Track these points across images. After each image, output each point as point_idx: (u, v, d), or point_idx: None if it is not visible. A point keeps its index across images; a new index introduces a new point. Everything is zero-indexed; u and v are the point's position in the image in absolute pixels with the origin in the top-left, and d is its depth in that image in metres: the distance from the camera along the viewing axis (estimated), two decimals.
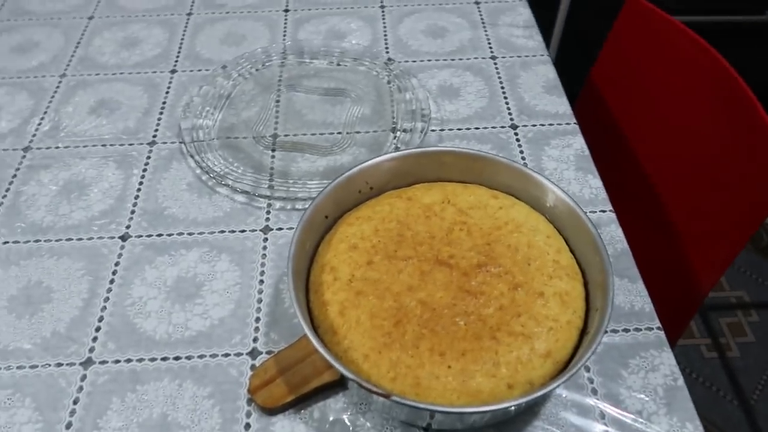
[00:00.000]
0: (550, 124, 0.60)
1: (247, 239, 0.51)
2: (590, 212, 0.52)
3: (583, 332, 0.39)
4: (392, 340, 0.38)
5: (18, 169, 0.56)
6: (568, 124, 0.60)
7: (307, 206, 0.51)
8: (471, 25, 0.72)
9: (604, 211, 0.53)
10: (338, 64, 0.66)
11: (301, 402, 0.41)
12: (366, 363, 0.38)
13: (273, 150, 0.57)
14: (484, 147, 0.58)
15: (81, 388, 0.42)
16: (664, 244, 0.67)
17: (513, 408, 0.38)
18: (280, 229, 0.51)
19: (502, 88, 0.64)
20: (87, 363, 0.43)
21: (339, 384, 0.41)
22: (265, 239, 0.51)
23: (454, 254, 0.42)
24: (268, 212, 0.53)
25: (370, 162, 0.46)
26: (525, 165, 0.56)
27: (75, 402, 0.41)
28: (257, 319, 0.46)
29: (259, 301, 0.47)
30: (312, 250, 0.44)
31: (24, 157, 0.57)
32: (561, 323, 0.39)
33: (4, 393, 0.42)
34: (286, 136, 0.59)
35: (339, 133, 0.59)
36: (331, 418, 0.41)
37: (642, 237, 0.56)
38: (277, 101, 0.62)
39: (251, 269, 0.49)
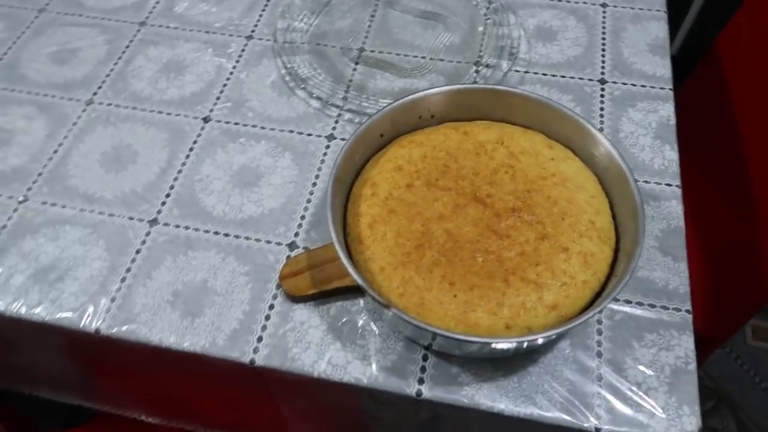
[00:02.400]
0: (642, 86, 0.57)
1: (311, 143, 0.54)
2: (655, 183, 0.50)
3: (599, 295, 0.39)
4: (410, 260, 0.40)
5: (131, 41, 0.62)
6: (662, 88, 0.56)
7: None
8: None
9: (669, 185, 0.50)
10: None
11: (322, 297, 0.45)
12: (380, 275, 0.40)
13: (356, 63, 0.59)
14: (564, 97, 0.56)
15: (144, 242, 0.48)
16: (740, 237, 0.63)
17: (506, 347, 0.40)
18: (344, 139, 0.54)
19: (603, 39, 0.61)
20: (153, 222, 0.49)
21: (358, 290, 0.45)
22: (327, 146, 0.54)
23: (492, 194, 0.43)
24: (337, 122, 0.55)
25: (435, 90, 0.47)
26: (601, 123, 0.54)
27: (137, 252, 0.48)
28: (302, 217, 0.49)
29: (308, 200, 0.50)
30: (361, 163, 0.47)
31: (138, 31, 0.63)
32: (577, 281, 0.39)
33: (85, 230, 0.49)
34: (372, 51, 0.60)
35: (423, 57, 0.60)
36: (344, 318, 0.44)
37: (717, 224, 0.53)
38: (372, 16, 0.63)
39: (308, 170, 0.52)
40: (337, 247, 0.39)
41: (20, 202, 0.51)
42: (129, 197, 0.51)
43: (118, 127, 0.55)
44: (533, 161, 0.45)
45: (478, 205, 0.43)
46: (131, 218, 0.50)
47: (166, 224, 0.49)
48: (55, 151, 0.54)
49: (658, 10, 0.63)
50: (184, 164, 0.53)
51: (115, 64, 0.60)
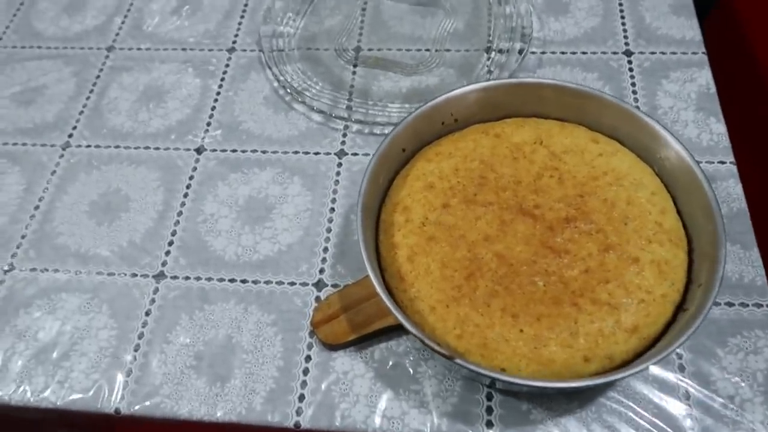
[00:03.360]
0: (673, 53, 0.52)
1: (321, 162, 0.48)
2: (706, 162, 0.46)
3: (680, 307, 0.35)
4: (462, 294, 0.36)
5: (101, 70, 0.56)
6: (694, 53, 0.51)
7: (386, 132, 0.48)
8: None
9: (723, 163, 0.46)
10: None
11: (363, 341, 0.40)
12: (432, 315, 0.35)
13: (354, 66, 0.53)
14: (589, 75, 0.51)
15: (153, 301, 0.43)
16: None
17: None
18: (356, 154, 0.49)
19: (621, 5, 0.55)
20: (159, 276, 0.44)
21: (402, 327, 0.40)
22: (339, 164, 0.48)
23: (540, 204, 0.38)
24: (345, 134, 0.50)
25: (457, 91, 0.42)
26: (635, 101, 0.49)
27: (147, 314, 0.42)
28: (325, 249, 0.44)
29: (328, 230, 0.45)
30: (386, 184, 0.41)
31: (107, 57, 0.56)
32: (655, 296, 0.35)
33: (84, 296, 0.44)
34: (369, 50, 0.54)
35: (427, 50, 0.54)
36: (391, 362, 0.39)
37: None
38: (363, 9, 0.57)
39: (323, 195, 0.47)
40: (378, 288, 0.34)
41: (6, 272, 0.45)
42: (128, 251, 0.45)
43: (102, 171, 0.49)
44: (579, 160, 0.40)
45: (527, 218, 0.38)
46: (134, 275, 0.44)
47: (174, 277, 0.44)
48: (37, 207, 0.48)
49: None
50: (183, 204, 0.47)
51: (87, 98, 0.54)
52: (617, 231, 0.37)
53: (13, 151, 0.51)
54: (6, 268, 0.45)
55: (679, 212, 0.38)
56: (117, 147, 0.51)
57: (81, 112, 0.53)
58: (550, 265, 0.36)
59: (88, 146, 0.51)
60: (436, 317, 0.35)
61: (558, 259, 0.36)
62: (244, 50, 0.56)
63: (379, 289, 0.34)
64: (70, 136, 0.51)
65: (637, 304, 0.34)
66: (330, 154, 0.49)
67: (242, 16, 0.58)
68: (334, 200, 0.46)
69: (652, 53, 0.52)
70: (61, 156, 0.50)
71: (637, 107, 0.49)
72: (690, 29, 0.53)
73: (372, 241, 0.39)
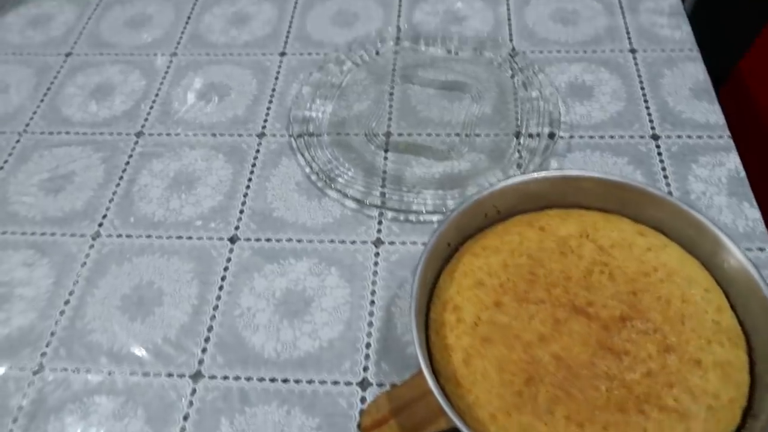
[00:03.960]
0: (699, 137, 0.53)
1: (358, 252, 0.48)
2: (746, 249, 0.46)
3: (747, 412, 0.34)
4: (523, 401, 0.35)
5: (131, 156, 0.55)
6: (720, 137, 0.52)
7: (422, 219, 0.48)
8: (607, 10, 0.64)
9: (762, 249, 0.46)
10: (456, 53, 0.61)
11: None
12: (493, 425, 0.34)
13: (386, 151, 0.54)
14: (619, 160, 0.52)
15: (191, 403, 0.41)
16: None
17: None
18: (393, 243, 0.48)
19: (642, 88, 0.57)
20: (197, 376, 0.42)
21: (457, 429, 0.39)
22: (377, 254, 0.48)
23: (593, 302, 0.38)
24: (380, 222, 0.50)
25: (501, 185, 0.42)
26: (668, 186, 0.50)
27: (185, 418, 0.41)
28: (368, 345, 0.43)
29: (370, 324, 0.44)
30: (432, 280, 0.41)
31: (137, 143, 0.56)
32: (722, 401, 0.34)
33: (118, 400, 0.42)
34: (399, 135, 0.55)
35: (457, 134, 0.54)
36: None
37: None
38: (391, 94, 0.58)
39: (361, 287, 0.46)
40: (440, 399, 0.33)
41: (35, 373, 0.43)
42: (163, 349, 0.44)
43: (134, 263, 0.49)
44: (628, 254, 0.40)
45: (581, 317, 0.37)
46: (170, 375, 0.43)
47: (212, 377, 0.42)
48: (67, 302, 0.47)
49: (690, 50, 0.59)
50: (219, 297, 0.46)
51: (117, 185, 0.53)
52: (675, 331, 0.36)
53: (41, 241, 0.50)
54: (35, 368, 0.44)
55: (732, 307, 0.38)
56: (149, 236, 0.50)
57: (111, 200, 0.52)
58: (611, 368, 0.35)
59: (119, 236, 0.50)
60: (497, 427, 0.34)
61: (618, 361, 0.35)
62: (274, 135, 0.56)
63: (439, 398, 0.33)
64: (100, 225, 0.51)
65: (706, 410, 0.33)
66: (366, 242, 0.48)
67: (270, 101, 0.59)
68: (373, 292, 0.46)
69: (679, 137, 0.53)
70: (91, 246, 0.50)
71: (668, 185, 0.49)
72: (713, 113, 0.54)
73: (424, 344, 0.38)
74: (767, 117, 0.69)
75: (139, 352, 0.44)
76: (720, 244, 0.38)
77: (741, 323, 0.37)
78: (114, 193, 0.53)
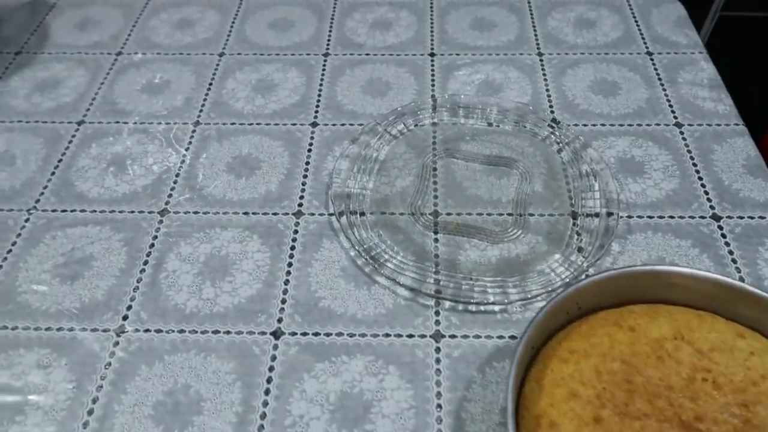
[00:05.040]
0: (761, 217, 0.51)
1: (417, 347, 0.44)
2: None
3: None
4: None
5: (156, 237, 0.51)
6: None
7: (481, 309, 0.45)
8: (646, 81, 0.63)
9: None
10: (498, 125, 0.59)
11: None
12: None
13: (435, 232, 0.50)
14: (683, 243, 0.49)
15: None
16: None
17: None
18: (454, 336, 0.44)
19: (695, 165, 0.55)
20: None
21: None
22: (437, 349, 0.44)
23: (701, 416, 0.34)
24: (437, 312, 0.46)
25: (585, 282, 0.39)
26: (738, 271, 0.47)
27: None
28: None
29: None
30: (518, 388, 0.37)
31: (161, 222, 0.52)
32: None
33: None
34: (448, 215, 0.51)
35: (510, 214, 0.51)
36: None
37: None
38: (434, 169, 0.55)
39: (425, 389, 0.42)
40: None
41: None
42: None
43: (166, 362, 0.43)
44: (730, 359, 0.36)
45: None
46: None
47: None
48: (90, 412, 0.41)
49: (737, 124, 0.58)
50: (266, 404, 0.41)
51: (142, 271, 0.48)
52: None
53: (58, 338, 0.45)
54: None
55: None
56: (181, 331, 0.45)
57: (136, 289, 0.47)
58: None
59: (147, 330, 0.45)
60: None
61: None
62: (312, 214, 0.52)
63: None
64: (125, 318, 0.46)
65: None
66: (425, 336, 0.44)
67: (305, 176, 0.55)
68: (438, 394, 0.41)
69: (740, 218, 0.51)
70: (116, 344, 0.44)
71: (738, 270, 0.47)
72: None
73: None
74: None
75: None
76: None
77: None
78: (139, 280, 0.48)
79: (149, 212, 0.52)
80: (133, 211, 0.52)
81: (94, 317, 0.46)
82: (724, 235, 0.50)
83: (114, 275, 0.48)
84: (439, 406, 0.41)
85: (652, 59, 0.65)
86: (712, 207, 0.52)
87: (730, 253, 0.48)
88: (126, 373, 0.43)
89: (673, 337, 0.38)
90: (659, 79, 0.63)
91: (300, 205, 0.53)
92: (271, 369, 0.43)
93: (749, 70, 0.94)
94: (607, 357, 0.37)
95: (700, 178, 0.54)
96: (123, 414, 0.41)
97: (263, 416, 0.41)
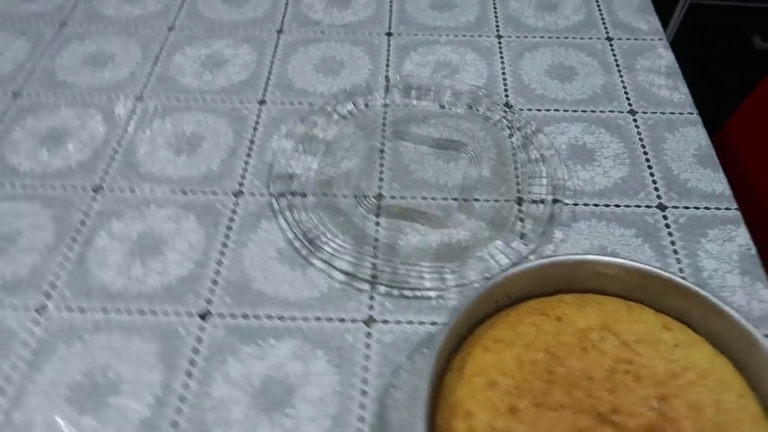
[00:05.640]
0: (706, 208, 0.50)
1: (348, 332, 0.43)
2: (764, 335, 0.43)
3: None
4: None
5: (87, 214, 0.49)
6: (728, 209, 0.50)
7: (417, 295, 0.44)
8: (603, 67, 0.62)
9: None
10: (450, 108, 0.57)
11: None
12: None
13: (377, 215, 0.49)
14: (627, 232, 0.48)
15: None
16: None
17: None
18: (386, 321, 0.43)
19: (645, 153, 0.54)
20: None
21: None
22: (368, 334, 0.43)
23: (618, 408, 0.34)
24: (372, 297, 0.45)
25: (517, 270, 0.38)
26: (678, 262, 0.47)
27: None
28: None
29: (361, 419, 0.39)
30: (438, 376, 0.36)
31: (94, 199, 0.50)
32: None
33: None
34: (392, 198, 0.50)
35: (455, 199, 0.50)
36: None
37: None
38: (381, 151, 0.54)
39: (351, 374, 0.41)
40: None
41: None
42: None
43: (87, 342, 0.42)
44: (654, 352, 0.36)
45: (606, 427, 0.33)
46: None
47: None
48: (2, 391, 0.40)
49: (690, 113, 0.57)
50: (186, 386, 0.40)
51: (70, 249, 0.47)
52: None
53: None
54: None
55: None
56: (105, 311, 0.43)
57: (62, 266, 0.46)
58: None
59: (70, 310, 0.44)
60: None
61: None
62: (253, 194, 0.51)
63: None
64: (48, 296, 0.44)
65: None
66: (357, 321, 0.43)
67: (248, 155, 0.53)
68: (365, 380, 0.41)
69: (686, 208, 0.50)
70: (36, 322, 0.43)
71: (678, 262, 0.46)
72: (719, 182, 0.52)
73: None
74: (755, 182, 0.68)
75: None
76: (753, 342, 0.35)
77: None
78: (65, 258, 0.46)
79: (82, 188, 0.51)
80: (65, 187, 0.51)
81: (15, 294, 0.44)
82: (668, 225, 0.49)
83: (40, 252, 0.47)
84: (364, 392, 0.40)
85: (611, 45, 0.64)
86: (659, 196, 0.51)
87: (672, 243, 0.48)
88: (43, 353, 0.41)
89: (600, 327, 0.37)
90: (617, 65, 0.62)
91: (241, 184, 0.51)
92: (195, 351, 0.42)
93: (717, 59, 0.93)
94: (531, 347, 0.36)
95: (650, 167, 0.53)
96: (36, 395, 0.39)
97: (183, 399, 0.40)
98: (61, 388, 0.40)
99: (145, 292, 0.45)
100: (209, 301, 0.44)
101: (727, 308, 0.36)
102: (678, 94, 0.59)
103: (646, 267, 0.38)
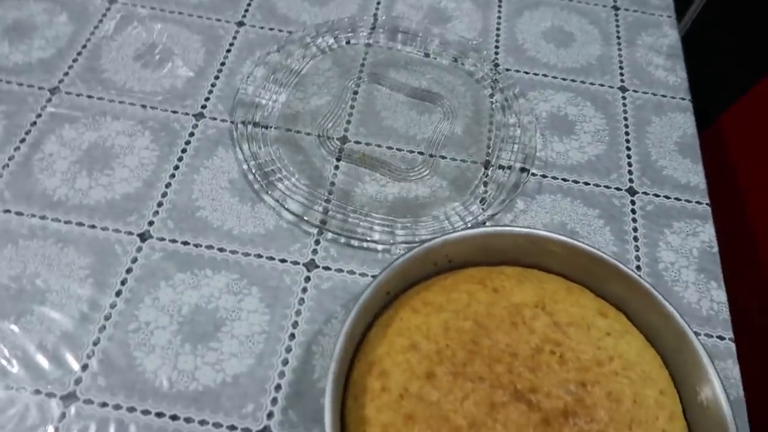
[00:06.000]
0: (677, 199, 0.49)
1: (287, 273, 0.42)
2: (705, 335, 0.42)
3: None
4: None
5: (39, 116, 0.47)
6: (699, 203, 0.48)
7: (364, 246, 0.43)
8: (604, 37, 0.59)
9: (722, 338, 0.42)
10: (435, 58, 0.55)
11: None
12: None
13: (338, 159, 0.47)
14: (590, 212, 0.47)
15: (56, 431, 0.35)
16: None
17: None
18: (328, 268, 0.42)
19: (627, 133, 0.52)
20: (69, 398, 0.36)
21: None
22: (307, 278, 0.42)
23: (537, 388, 0.33)
24: (318, 241, 0.43)
25: (456, 235, 0.36)
26: (636, 249, 0.45)
27: None
28: (278, 387, 0.38)
29: (285, 362, 0.38)
30: (362, 330, 0.35)
31: (50, 100, 0.48)
32: None
33: None
34: (357, 143, 0.48)
35: (421, 153, 0.49)
36: None
37: None
38: (355, 92, 0.51)
39: (283, 316, 0.40)
40: None
41: None
42: (34, 361, 0.37)
43: (19, 247, 0.41)
44: (585, 336, 0.35)
45: (521, 404, 0.33)
46: (38, 392, 0.36)
47: (87, 401, 0.36)
48: None
49: (683, 99, 0.55)
50: (114, 306, 0.39)
51: (16, 149, 0.45)
52: None
53: None
54: None
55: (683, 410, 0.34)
56: (43, 217, 0.42)
57: (5, 166, 0.44)
58: None
59: (7, 211, 0.42)
60: None
61: None
62: (214, 118, 0.49)
63: None
64: None
65: None
66: (298, 264, 0.42)
67: (217, 77, 0.51)
68: (295, 324, 0.40)
69: (656, 195, 0.48)
70: None
71: (638, 257, 0.45)
72: (695, 174, 0.50)
73: (338, 406, 0.32)
74: (744, 177, 0.66)
75: (4, 360, 0.37)
76: (685, 340, 0.34)
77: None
78: (11, 158, 0.45)
79: (39, 88, 0.49)
80: (21, 84, 0.49)
81: None
82: (634, 211, 0.48)
83: None
84: (293, 335, 0.39)
85: (617, 15, 0.61)
86: (630, 180, 0.49)
87: (635, 230, 0.47)
88: None
89: (535, 305, 0.36)
90: (618, 38, 0.59)
91: (203, 107, 0.49)
92: (128, 271, 0.41)
93: (728, 52, 0.89)
94: (460, 315, 0.35)
95: (628, 149, 0.51)
96: None
97: (108, 317, 0.39)
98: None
99: (87, 205, 0.43)
100: (151, 223, 0.43)
101: (664, 301, 0.35)
102: (674, 77, 0.56)
103: (593, 250, 0.36)
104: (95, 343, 0.38)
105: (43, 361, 0.37)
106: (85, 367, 0.37)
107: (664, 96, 0.55)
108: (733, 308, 0.44)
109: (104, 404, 0.36)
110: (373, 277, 0.38)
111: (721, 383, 0.32)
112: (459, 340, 0.34)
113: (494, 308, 0.36)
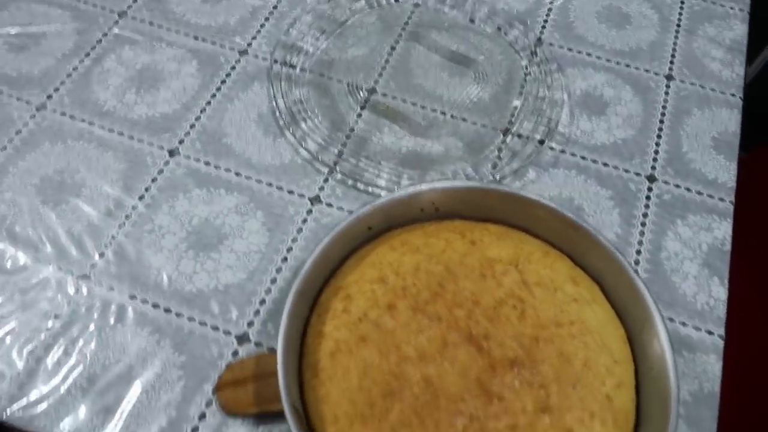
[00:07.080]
0: (699, 192, 0.47)
1: (291, 204, 0.45)
2: (693, 328, 0.41)
3: None
4: (373, 413, 0.32)
5: (106, 35, 0.53)
6: (721, 200, 0.47)
7: (369, 190, 0.45)
8: (662, 24, 0.57)
9: (711, 333, 0.41)
10: (480, 25, 0.55)
11: (266, 416, 0.37)
12: (332, 427, 0.32)
13: (362, 108, 0.50)
14: (603, 192, 0.47)
15: (68, 303, 0.40)
16: None
17: None
18: (330, 205, 0.45)
19: (662, 122, 0.51)
20: (83, 278, 0.41)
21: None
22: (309, 211, 0.45)
23: (491, 336, 0.34)
24: (326, 180, 0.46)
25: (441, 184, 0.38)
26: (641, 235, 0.45)
27: (56, 316, 0.39)
28: (262, 301, 0.41)
29: (273, 281, 0.42)
30: (339, 260, 0.38)
31: (117, 23, 0.53)
32: None
33: None
34: (384, 95, 0.50)
35: (443, 112, 0.50)
36: None
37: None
38: (392, 48, 0.53)
39: (281, 241, 0.43)
40: (281, 376, 0.31)
41: None
42: (60, 242, 0.42)
43: (68, 145, 0.46)
44: (549, 298, 0.36)
45: (472, 348, 0.34)
46: (60, 269, 0.41)
47: (98, 283, 0.41)
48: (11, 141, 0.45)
49: (733, 95, 0.52)
50: (135, 208, 0.44)
51: (81, 62, 0.51)
52: (561, 393, 0.33)
53: None
54: None
55: (637, 389, 0.34)
56: (91, 123, 0.48)
57: (69, 75, 0.50)
58: (477, 409, 0.32)
59: (63, 114, 0.48)
60: (335, 430, 0.32)
61: (488, 404, 0.32)
62: (256, 56, 0.52)
63: (280, 382, 0.31)
64: (49, 97, 0.48)
65: None
66: (304, 197, 0.45)
67: (266, 19, 0.54)
68: (290, 249, 0.43)
69: (677, 186, 0.47)
70: (33, 116, 0.48)
71: (640, 242, 0.44)
72: (726, 171, 0.48)
73: (301, 320, 0.35)
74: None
75: (36, 237, 0.42)
76: (651, 322, 0.34)
77: (639, 408, 0.34)
78: (75, 68, 0.50)
79: (111, 11, 0.54)
80: (96, 6, 0.54)
81: (23, 89, 0.49)
82: (648, 197, 0.47)
83: (56, 57, 0.51)
84: (285, 259, 0.43)
85: (683, 2, 0.58)
86: (653, 168, 0.48)
87: (645, 216, 0.46)
88: (30, 143, 0.46)
89: (508, 261, 0.37)
90: (678, 26, 0.57)
91: (249, 44, 0.53)
92: (153, 180, 0.45)
93: None
94: (433, 259, 0.37)
95: (659, 137, 0.50)
96: (13, 176, 0.45)
97: (128, 216, 0.44)
98: (34, 178, 0.45)
99: (130, 118, 0.48)
100: (181, 141, 0.47)
101: (635, 278, 0.35)
102: (730, 71, 0.54)
103: (575, 218, 0.37)
104: (113, 237, 0.43)
105: (68, 245, 0.42)
106: (101, 255, 0.42)
107: (713, 90, 0.53)
108: (733, 308, 0.43)
109: (111, 288, 0.41)
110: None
111: (670, 348, 0.32)
112: (426, 281, 0.36)
113: (468, 258, 0.37)
